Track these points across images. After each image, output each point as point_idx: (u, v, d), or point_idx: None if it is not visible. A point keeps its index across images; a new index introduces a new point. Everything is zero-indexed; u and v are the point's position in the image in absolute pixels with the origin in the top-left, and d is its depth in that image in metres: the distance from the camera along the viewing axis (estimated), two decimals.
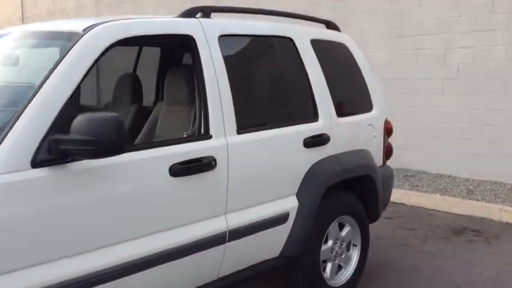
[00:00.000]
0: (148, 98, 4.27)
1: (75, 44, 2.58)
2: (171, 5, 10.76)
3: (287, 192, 3.42)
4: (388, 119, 4.37)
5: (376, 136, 4.15)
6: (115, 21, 2.81)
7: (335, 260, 3.83)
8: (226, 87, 3.10)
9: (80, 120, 2.29)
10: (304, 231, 3.48)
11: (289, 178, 3.43)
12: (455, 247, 5.05)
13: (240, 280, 3.23)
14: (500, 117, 6.92)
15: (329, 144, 3.67)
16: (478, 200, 6.22)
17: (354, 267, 3.96)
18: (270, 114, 3.49)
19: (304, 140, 3.49)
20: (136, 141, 3.41)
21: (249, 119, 3.28)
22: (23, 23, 15.20)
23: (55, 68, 2.48)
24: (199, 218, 2.92)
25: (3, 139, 2.25)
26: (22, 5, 15.79)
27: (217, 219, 3.01)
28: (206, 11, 3.26)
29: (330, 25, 4.20)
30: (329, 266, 3.79)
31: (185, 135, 3.10)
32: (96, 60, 2.60)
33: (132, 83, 3.98)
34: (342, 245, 3.88)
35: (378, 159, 4.21)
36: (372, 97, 4.20)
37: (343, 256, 3.89)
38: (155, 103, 4.19)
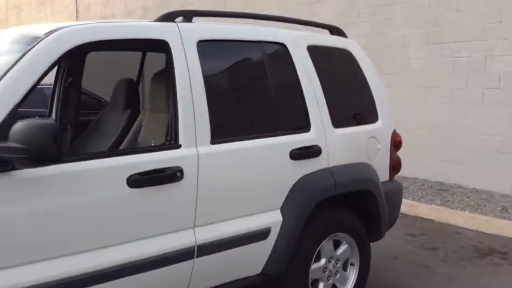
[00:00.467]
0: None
1: (31, 49, 2.51)
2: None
3: (269, 206, 3.23)
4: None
5: (380, 149, 3.89)
6: (82, 25, 2.72)
7: (328, 280, 3.60)
8: (201, 94, 2.95)
9: (16, 127, 2.21)
10: (289, 248, 3.28)
11: (271, 191, 3.24)
12: (476, 270, 4.69)
13: None
14: None
15: (322, 156, 3.46)
16: (510, 219, 5.79)
17: None
18: (251, 124, 3.31)
19: (291, 151, 3.29)
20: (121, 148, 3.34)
21: (226, 128, 3.12)
22: None
23: (6, 73, 2.41)
24: (162, 231, 2.78)
25: None
26: (77, 11, 16.24)
27: (184, 233, 2.86)
28: (187, 15, 3.13)
29: (334, 31, 3.98)
30: (321, 285, 3.56)
31: (152, 144, 2.98)
32: (53, 65, 2.52)
33: (127, 88, 3.90)
34: (337, 264, 3.65)
35: (383, 174, 3.95)
36: (377, 107, 3.94)
37: (338, 276, 3.66)
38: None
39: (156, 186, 2.72)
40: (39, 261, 2.39)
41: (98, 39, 2.70)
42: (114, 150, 2.97)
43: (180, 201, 2.83)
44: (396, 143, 4.04)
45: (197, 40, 3.03)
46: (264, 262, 3.26)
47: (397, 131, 4.07)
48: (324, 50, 3.74)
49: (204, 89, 2.97)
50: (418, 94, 7.69)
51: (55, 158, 2.25)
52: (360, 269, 3.78)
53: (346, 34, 4.00)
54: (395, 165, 4.05)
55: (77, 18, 16.40)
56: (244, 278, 3.21)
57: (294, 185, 3.31)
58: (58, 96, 4.15)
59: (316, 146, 3.43)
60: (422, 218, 6.29)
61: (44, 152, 2.19)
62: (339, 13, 8.53)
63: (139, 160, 2.69)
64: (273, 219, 3.24)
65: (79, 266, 2.50)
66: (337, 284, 3.68)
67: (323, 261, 3.55)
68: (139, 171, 2.65)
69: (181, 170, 2.79)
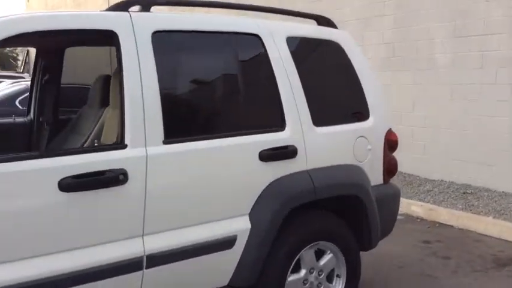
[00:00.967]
0: None
1: None
2: None
3: (234, 212, 2.96)
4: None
5: (371, 149, 3.54)
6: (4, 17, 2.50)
7: None
8: (154, 90, 2.70)
9: None
10: (259, 257, 3.00)
11: (237, 196, 2.96)
12: (487, 283, 4.27)
13: None
14: None
15: (298, 157, 3.16)
16: None
17: None
18: (214, 123, 3.05)
19: (261, 152, 3.01)
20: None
21: (183, 127, 2.87)
22: None
23: None
24: (103, 239, 2.54)
25: None
26: (108, 3, 16.30)
27: (130, 242, 2.62)
28: (145, 4, 2.89)
29: (321, 21, 3.65)
30: None
31: (96, 144, 2.75)
32: None
33: (103, 85, 3.69)
34: (320, 275, 3.33)
35: (376, 177, 3.60)
36: (369, 104, 3.59)
37: None
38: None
39: (95, 191, 2.49)
40: None
41: (31, 30, 2.48)
42: (47, 151, 2.74)
43: (124, 206, 2.59)
44: (391, 143, 3.67)
45: (152, 31, 2.78)
46: (231, 273, 2.98)
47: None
48: (307, 41, 3.44)
49: (158, 84, 2.72)
50: (444, 91, 7.23)
51: None
52: (347, 280, 3.45)
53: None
54: (390, 168, 3.68)
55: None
56: None
57: (264, 189, 3.03)
58: (36, 95, 4.00)
59: (291, 146, 3.13)
60: (441, 224, 5.86)
61: None
62: (363, 6, 8.14)
63: (75, 162, 2.46)
64: (239, 226, 2.96)
65: (5, 277, 2.29)
66: None
67: (303, 272, 3.25)
68: (73, 174, 2.43)
69: (124, 173, 2.55)
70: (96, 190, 2.49)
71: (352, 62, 3.57)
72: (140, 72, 2.68)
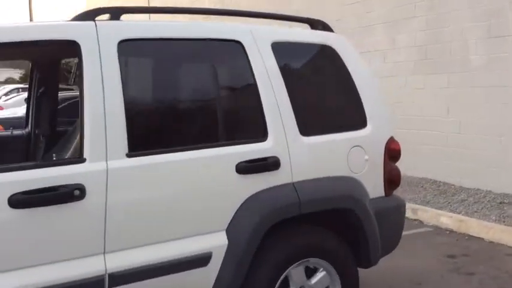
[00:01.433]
0: None
1: None
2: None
3: (209, 228, 2.79)
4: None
5: (368, 160, 3.31)
6: None
7: None
8: (117, 102, 2.59)
9: None
10: (238, 275, 2.82)
11: (211, 211, 2.80)
12: None
13: None
14: None
15: (282, 169, 2.97)
16: None
17: None
18: (186, 134, 2.89)
19: (238, 164, 2.84)
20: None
21: (150, 139, 2.74)
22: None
23: None
24: (59, 258, 2.43)
25: None
26: (148, 4, 16.50)
27: (90, 260, 2.50)
28: (115, 12, 2.79)
29: (315, 25, 3.45)
30: None
31: (54, 158, 2.65)
32: None
33: None
34: None
35: (376, 189, 3.35)
36: (366, 111, 3.35)
37: None
38: None
39: (48, 207, 2.39)
40: None
41: None
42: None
43: (82, 223, 2.47)
44: (393, 153, 3.42)
45: (119, 40, 2.67)
46: None
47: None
48: (295, 46, 3.25)
49: (122, 95, 2.60)
50: (479, 95, 6.83)
51: None
52: None
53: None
54: (392, 179, 3.42)
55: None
56: None
57: (242, 204, 2.85)
58: (32, 107, 3.98)
59: (273, 157, 2.94)
60: (470, 236, 5.49)
61: None
62: (394, 7, 7.83)
63: (26, 178, 2.37)
64: (214, 242, 2.80)
65: None
66: None
67: None
68: (23, 190, 2.33)
69: (81, 188, 2.44)
70: (50, 206, 2.39)
71: (347, 68, 3.35)
72: (103, 83, 2.57)
